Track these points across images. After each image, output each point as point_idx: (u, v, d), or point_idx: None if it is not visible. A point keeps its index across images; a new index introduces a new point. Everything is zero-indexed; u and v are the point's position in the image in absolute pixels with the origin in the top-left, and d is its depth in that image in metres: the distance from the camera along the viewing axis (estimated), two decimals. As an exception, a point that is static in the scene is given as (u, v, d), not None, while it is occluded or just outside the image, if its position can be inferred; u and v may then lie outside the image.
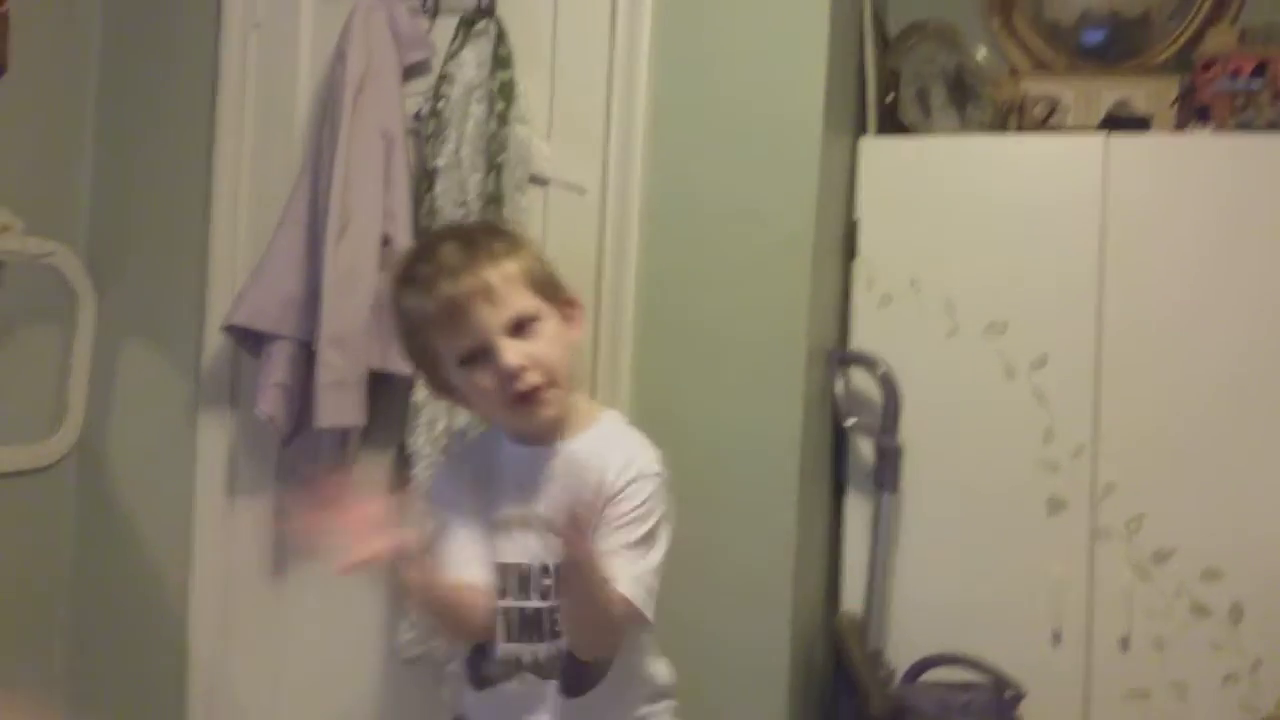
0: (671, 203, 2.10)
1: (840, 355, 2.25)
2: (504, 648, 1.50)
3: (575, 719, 1.49)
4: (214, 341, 2.25)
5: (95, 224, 2.37)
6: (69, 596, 2.36)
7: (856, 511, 2.27)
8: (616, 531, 1.45)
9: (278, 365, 2.08)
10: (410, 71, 2.20)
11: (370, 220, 2.09)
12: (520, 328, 1.45)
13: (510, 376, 1.43)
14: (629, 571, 1.43)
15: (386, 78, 2.15)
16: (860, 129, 2.39)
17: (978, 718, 1.99)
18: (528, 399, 1.45)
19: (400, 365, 2.07)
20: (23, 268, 2.22)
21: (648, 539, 1.47)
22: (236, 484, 2.27)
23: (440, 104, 2.13)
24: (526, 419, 1.49)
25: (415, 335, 1.53)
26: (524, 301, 1.46)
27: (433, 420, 2.05)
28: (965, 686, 2.05)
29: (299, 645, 2.26)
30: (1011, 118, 2.44)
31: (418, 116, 2.19)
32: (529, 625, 1.49)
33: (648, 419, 2.03)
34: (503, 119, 2.10)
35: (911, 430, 2.23)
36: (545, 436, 1.52)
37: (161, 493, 2.30)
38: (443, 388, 1.56)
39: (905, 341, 2.26)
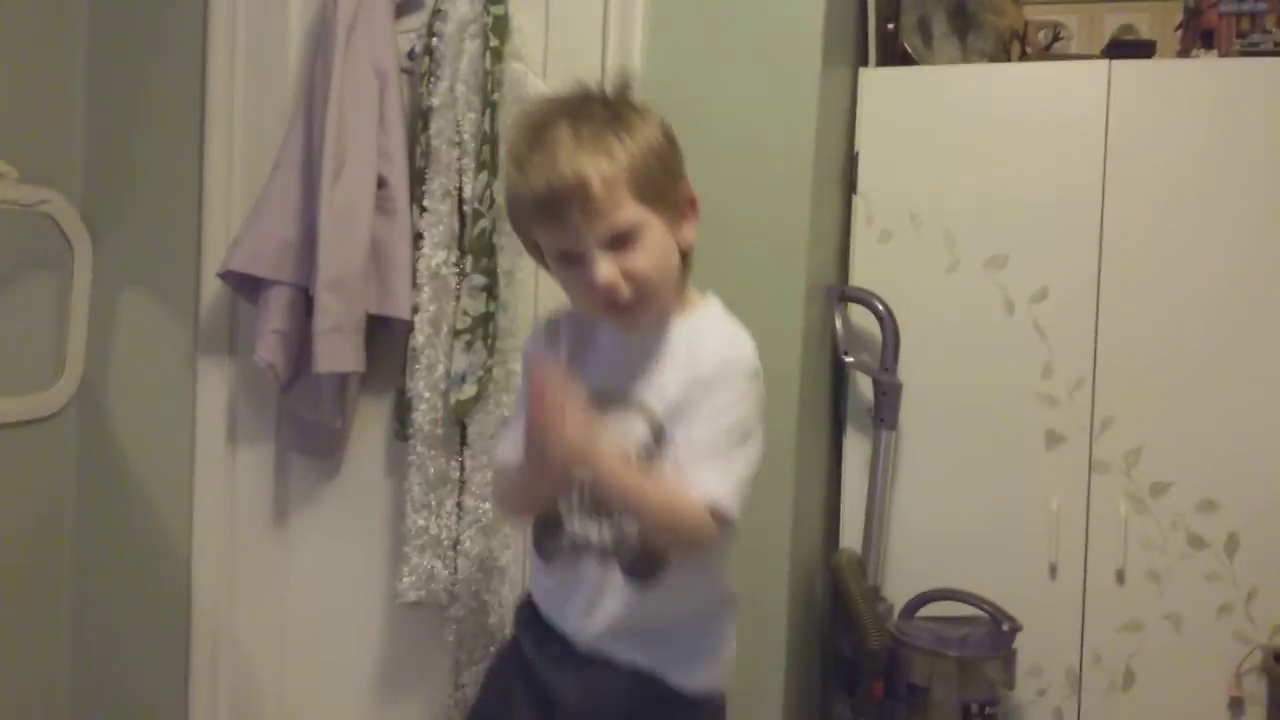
0: (670, 138, 2.07)
1: (839, 291, 2.24)
2: (577, 524, 1.48)
3: (642, 611, 1.46)
4: (211, 288, 2.24)
5: (89, 171, 2.35)
6: (72, 545, 2.38)
7: (855, 448, 2.28)
8: (703, 422, 1.39)
9: (275, 311, 2.08)
10: (402, 9, 2.17)
11: (365, 162, 2.07)
12: (619, 240, 1.37)
13: (602, 289, 1.37)
14: (715, 470, 1.37)
15: (378, 15, 2.12)
16: (861, 59, 2.35)
17: (975, 651, 2.02)
18: (619, 309, 1.40)
19: (399, 309, 2.09)
20: (17, 216, 2.21)
21: (740, 436, 1.39)
22: (237, 431, 2.29)
23: (434, 41, 2.09)
24: (617, 325, 1.45)
25: (517, 216, 1.47)
26: (625, 213, 1.37)
27: (432, 364, 2.05)
28: (962, 620, 2.07)
29: (301, 590, 2.30)
30: (1014, 46, 2.40)
31: (411, 55, 2.15)
32: (600, 502, 1.45)
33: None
34: (497, 55, 2.06)
35: (911, 366, 2.22)
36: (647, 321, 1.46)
37: (162, 440, 2.31)
38: (543, 266, 1.51)
39: (905, 276, 2.25)
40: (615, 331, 1.47)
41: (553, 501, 1.49)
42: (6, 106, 2.21)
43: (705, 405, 1.39)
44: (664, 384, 1.43)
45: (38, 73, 2.28)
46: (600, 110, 1.41)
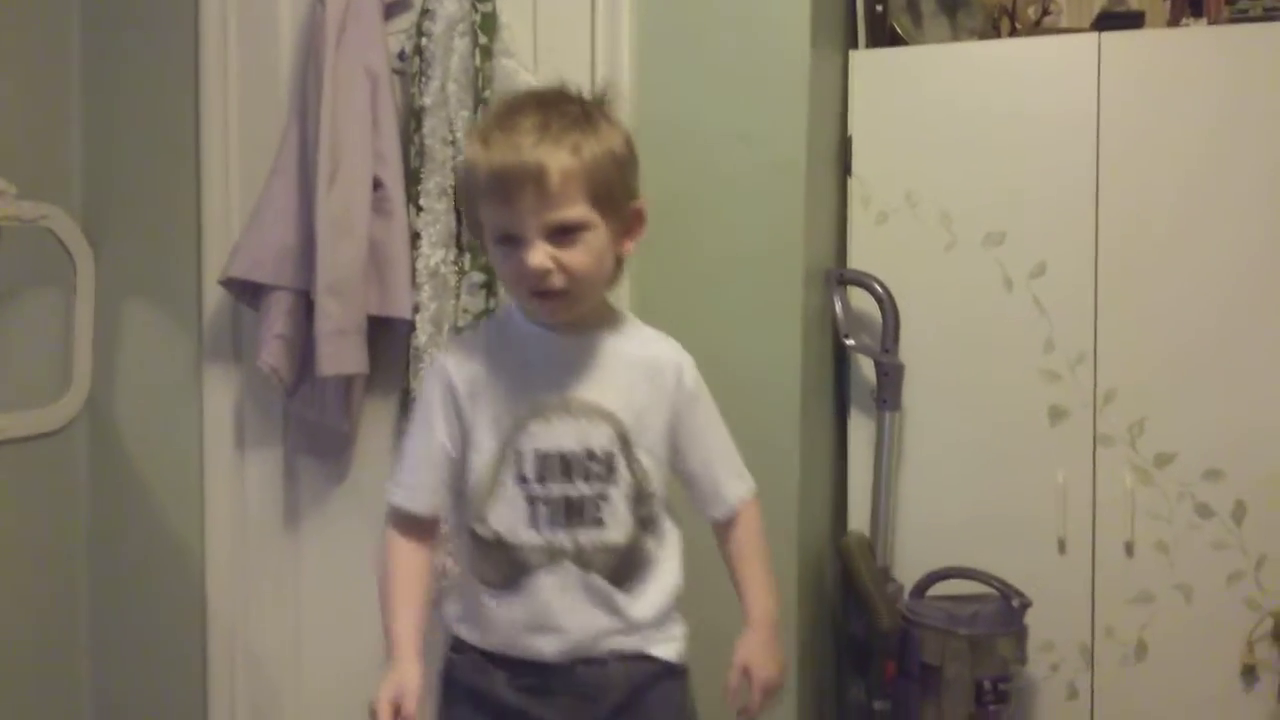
0: (661, 129, 2.06)
1: (838, 274, 2.25)
2: (542, 535, 1.44)
3: (615, 616, 1.46)
4: (214, 296, 2.26)
5: (88, 185, 2.37)
6: (87, 556, 2.40)
7: (860, 430, 2.29)
8: (708, 431, 1.53)
9: (277, 317, 2.09)
10: (391, 10, 2.17)
11: (360, 164, 2.08)
12: (562, 233, 1.39)
13: (532, 275, 1.39)
14: (736, 465, 1.56)
15: (368, 17, 2.12)
16: (850, 42, 2.35)
17: (986, 628, 2.02)
18: (545, 297, 1.42)
19: (399, 309, 2.09)
20: (18, 232, 2.22)
21: (724, 427, 1.57)
22: (245, 436, 2.30)
23: (423, 41, 2.10)
24: (540, 314, 1.46)
25: (466, 187, 1.53)
26: (574, 209, 1.39)
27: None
28: (973, 598, 2.08)
29: (314, 592, 2.32)
30: (1003, 21, 2.40)
31: (401, 56, 2.16)
32: (572, 511, 1.45)
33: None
34: (486, 52, 2.07)
35: (912, 346, 2.23)
36: (574, 326, 1.48)
37: (171, 449, 2.33)
38: (481, 244, 1.54)
39: (903, 257, 2.26)
40: (544, 340, 1.48)
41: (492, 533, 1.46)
42: (2, 123, 2.22)
43: (702, 415, 1.53)
44: (623, 389, 1.46)
45: (33, 88, 2.29)
46: (573, 109, 1.43)
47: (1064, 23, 2.36)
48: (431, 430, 1.48)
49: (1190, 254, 2.12)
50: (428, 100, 2.09)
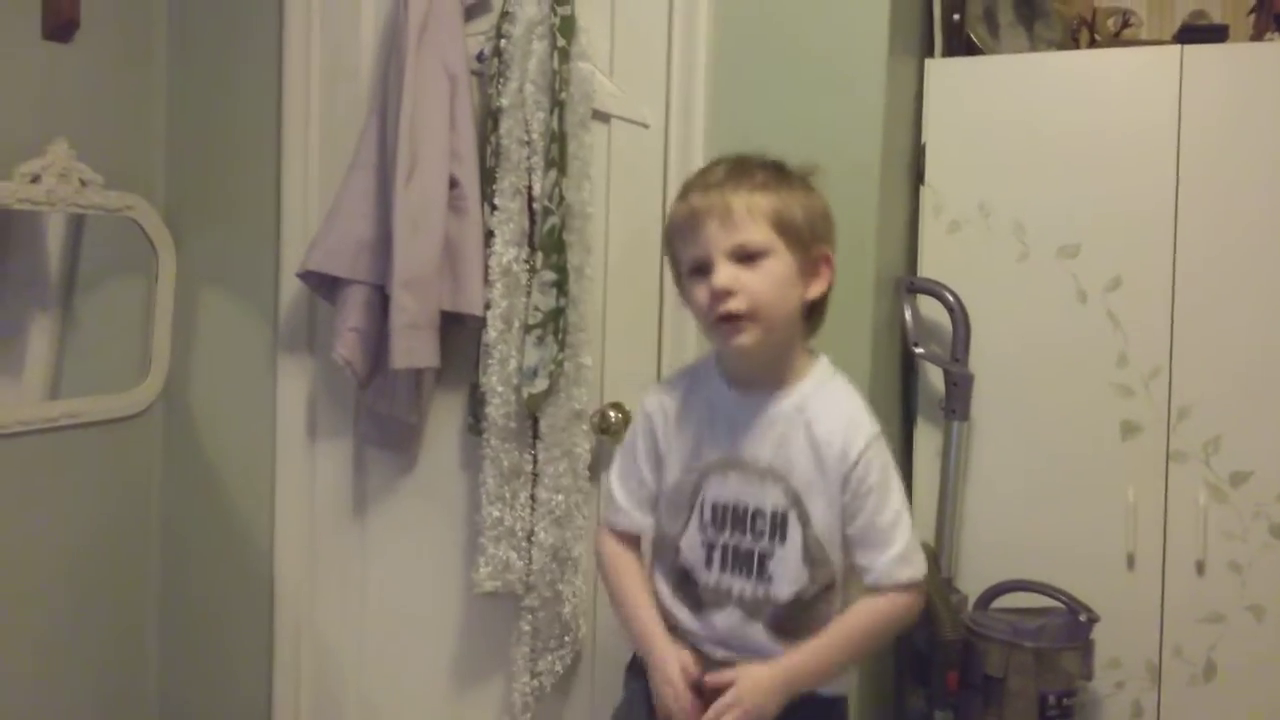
0: (735, 133, 2.07)
1: (909, 283, 2.24)
2: (716, 577, 1.58)
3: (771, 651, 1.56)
4: (290, 288, 2.31)
5: (171, 176, 2.43)
6: (160, 538, 2.46)
7: (927, 440, 2.27)
8: (867, 507, 1.53)
9: (352, 310, 2.13)
10: (471, 11, 2.21)
11: (437, 162, 2.11)
12: (746, 257, 1.49)
13: (716, 295, 1.48)
14: (905, 543, 1.54)
15: (448, 18, 2.16)
16: (926, 51, 2.34)
17: (1051, 642, 2.00)
18: (726, 321, 1.50)
19: (472, 306, 2.12)
20: (104, 222, 2.28)
21: (898, 502, 1.55)
22: (317, 427, 2.35)
23: (502, 42, 2.13)
24: (722, 341, 1.54)
25: (669, 235, 1.62)
26: (758, 234, 1.49)
27: (504, 359, 2.08)
28: (1039, 611, 2.05)
29: (380, 581, 2.35)
30: (1082, 33, 2.38)
31: (480, 57, 2.19)
32: (740, 561, 1.56)
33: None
34: (564, 55, 2.09)
35: (982, 357, 2.21)
36: (759, 382, 1.58)
37: (244, 437, 2.38)
38: (680, 291, 1.63)
39: (975, 267, 2.24)
40: (731, 396, 1.59)
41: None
42: (92, 116, 2.29)
43: (859, 491, 1.53)
44: (793, 457, 1.54)
45: (120, 81, 2.36)
46: (759, 165, 1.56)
47: (1144, 35, 2.33)
48: (635, 461, 1.66)
49: (1269, 270, 2.08)
50: (505, 101, 2.11)
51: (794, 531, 1.53)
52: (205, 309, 2.41)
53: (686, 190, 1.58)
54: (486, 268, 2.11)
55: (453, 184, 2.12)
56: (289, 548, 2.36)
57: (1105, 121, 2.18)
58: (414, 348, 2.08)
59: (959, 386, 2.18)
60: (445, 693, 2.30)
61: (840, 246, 2.02)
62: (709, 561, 1.58)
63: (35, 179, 2.14)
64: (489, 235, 2.11)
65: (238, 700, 2.41)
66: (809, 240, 1.53)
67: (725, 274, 1.48)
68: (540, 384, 2.05)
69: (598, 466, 2.14)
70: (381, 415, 2.22)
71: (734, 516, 1.57)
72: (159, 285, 2.37)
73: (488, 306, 2.10)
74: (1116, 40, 2.35)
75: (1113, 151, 2.17)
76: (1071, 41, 2.35)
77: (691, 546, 1.60)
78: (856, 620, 1.54)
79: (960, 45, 2.35)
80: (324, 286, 2.18)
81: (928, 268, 2.28)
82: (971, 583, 2.18)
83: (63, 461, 2.26)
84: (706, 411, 1.61)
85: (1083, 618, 2.02)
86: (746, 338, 1.50)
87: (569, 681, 2.20)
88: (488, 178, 2.13)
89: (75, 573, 2.30)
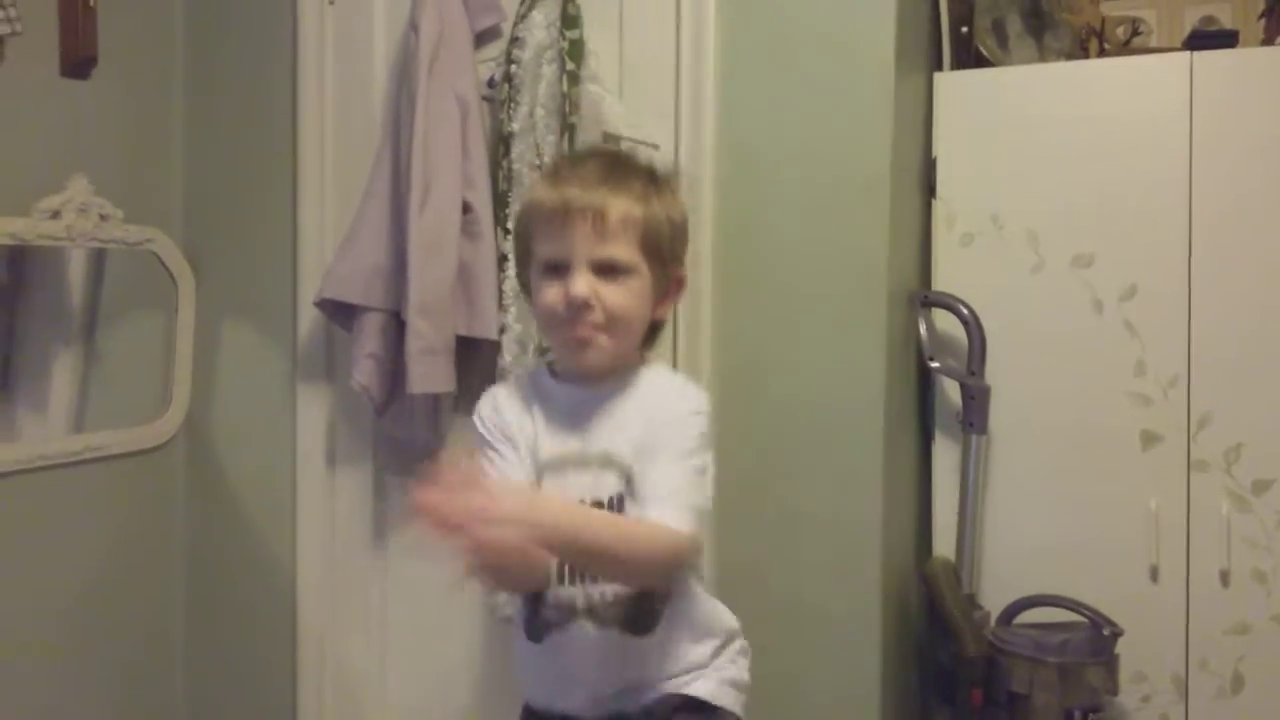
0: (745, 151, 2.09)
1: (923, 296, 2.23)
2: (559, 591, 1.46)
3: (649, 660, 1.47)
4: (308, 317, 2.32)
5: (189, 209, 2.46)
6: (183, 569, 2.48)
7: (945, 454, 2.26)
8: (676, 458, 1.41)
9: (369, 336, 2.14)
10: (482, 38, 2.22)
11: (450, 188, 2.12)
12: (608, 270, 1.44)
13: (574, 304, 1.42)
14: (687, 499, 1.39)
15: (459, 45, 2.17)
16: (935, 64, 2.35)
17: (1076, 657, 1.99)
18: (578, 333, 1.44)
19: (486, 330, 2.13)
20: (124, 255, 2.31)
21: (701, 472, 1.43)
22: (336, 454, 2.36)
23: (512, 68, 2.14)
24: (571, 354, 1.48)
25: (524, 221, 1.53)
26: (625, 251, 1.44)
27: (520, 382, 2.09)
28: (1062, 626, 2.04)
29: (402, 607, 2.35)
30: (1092, 43, 2.38)
31: (491, 82, 2.21)
32: (574, 565, 1.44)
33: (730, 371, 2.08)
34: (574, 78, 2.10)
35: (999, 369, 2.20)
36: (594, 379, 1.50)
37: (265, 465, 2.39)
38: (523, 282, 1.57)
39: (989, 279, 2.24)
40: (566, 392, 1.51)
41: (546, 577, 1.44)
42: (111, 150, 2.32)
43: (672, 442, 1.42)
44: (632, 434, 1.45)
45: (137, 115, 2.39)
46: (641, 169, 1.51)
47: (1154, 43, 2.33)
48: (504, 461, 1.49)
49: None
50: (516, 126, 2.12)
51: (630, 510, 1.42)
52: (225, 340, 2.43)
53: (558, 177, 1.48)
54: (500, 292, 2.12)
55: (466, 209, 2.13)
56: (311, 574, 2.36)
57: (1116, 130, 2.18)
58: (430, 373, 2.08)
59: (976, 400, 2.18)
60: (467, 717, 2.30)
61: (852, 261, 2.04)
62: (558, 575, 1.45)
63: (55, 215, 2.16)
64: (503, 259, 2.12)
65: (263, 727, 2.42)
66: (669, 262, 1.50)
67: (585, 283, 1.42)
68: (555, 407, 2.05)
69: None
70: (399, 441, 2.23)
71: None
72: (179, 317, 2.39)
73: (502, 330, 2.11)
74: (1126, 49, 2.34)
75: (1125, 159, 2.17)
76: (1081, 51, 2.35)
77: None
78: (634, 529, 1.38)
79: (969, 58, 2.35)
80: (340, 314, 2.19)
81: (941, 281, 2.27)
82: (994, 597, 2.17)
83: (87, 494, 2.28)
84: (537, 410, 1.51)
85: (1106, 632, 2.01)
86: (596, 354, 1.46)
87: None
88: (500, 202, 2.14)
89: (101, 604, 2.31)
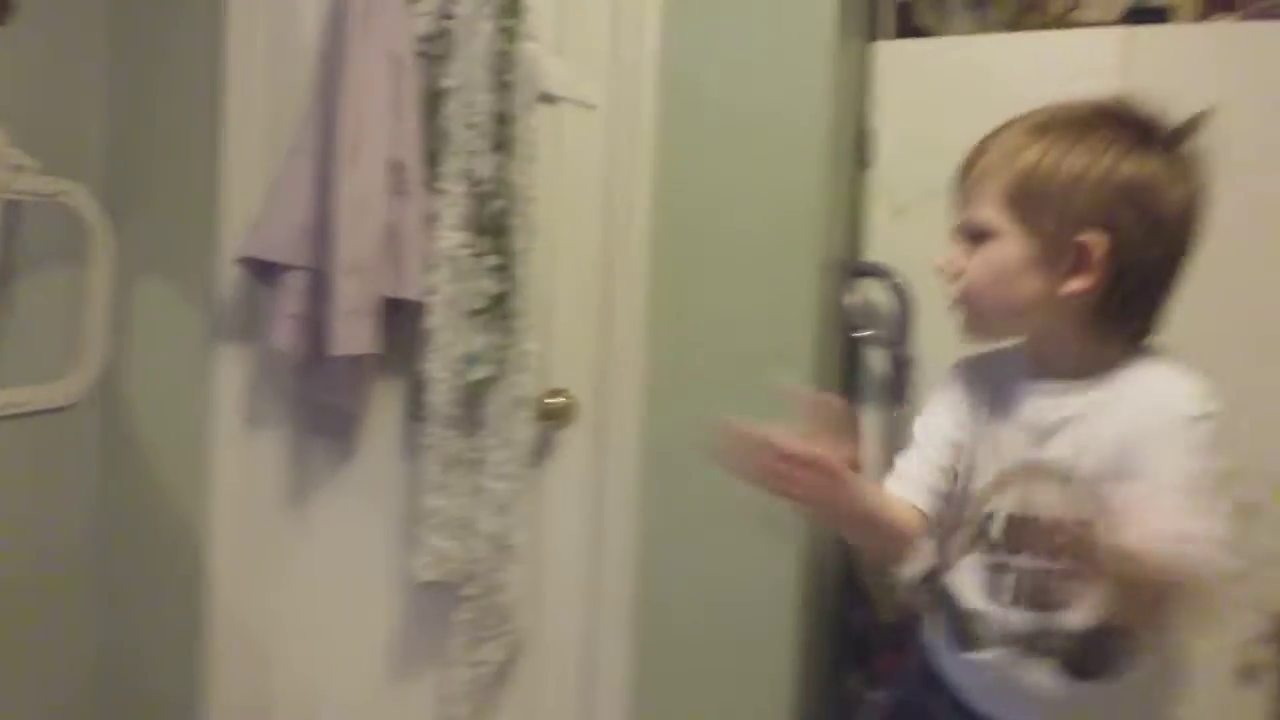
0: (682, 116, 2.07)
1: (853, 266, 2.23)
2: (992, 611, 1.28)
3: (1094, 711, 1.26)
4: (228, 274, 2.27)
5: (110, 162, 2.39)
6: (93, 529, 2.43)
7: (871, 423, 2.27)
8: (1171, 479, 1.13)
9: (292, 296, 2.09)
10: (416, -8, 2.18)
11: (380, 146, 2.08)
12: (974, 237, 1.29)
13: (939, 268, 1.32)
14: (1198, 526, 1.06)
15: (393, 0, 2.13)
16: (874, 33, 2.33)
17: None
18: (954, 304, 1.33)
19: (412, 291, 2.10)
20: (38, 208, 2.24)
21: (1209, 490, 1.13)
22: (254, 416, 2.32)
23: (447, 23, 2.10)
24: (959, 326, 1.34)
25: None
26: (986, 213, 1.27)
27: (448, 345, 2.06)
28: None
29: (318, 571, 2.33)
30: (1032, 16, 2.37)
31: (425, 38, 2.16)
32: (1039, 590, 1.25)
33: (661, 335, 2.07)
34: (510, 36, 2.06)
35: (928, 340, 2.21)
36: (1061, 372, 1.29)
37: (181, 426, 2.35)
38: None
39: (921, 252, 2.20)
40: (1033, 388, 1.31)
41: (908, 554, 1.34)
42: (27, 100, 2.24)
43: (1163, 460, 1.15)
44: (1107, 450, 1.21)
45: (57, 65, 2.31)
46: (1032, 127, 1.30)
47: (1093, 17, 2.33)
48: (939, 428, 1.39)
49: (1216, 251, 2.08)
50: (450, 83, 2.08)
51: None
52: (141, 296, 2.37)
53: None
54: (430, 252, 2.08)
55: (396, 168, 2.10)
56: (225, 537, 2.33)
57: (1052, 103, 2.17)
58: (355, 334, 2.05)
59: (902, 370, 2.18)
60: (383, 681, 2.29)
61: (784, 229, 2.03)
62: (995, 589, 1.28)
63: (-34, 164, 2.10)
64: (433, 219, 2.09)
65: (172, 690, 2.39)
66: (1056, 226, 1.24)
67: (945, 254, 1.34)
68: (483, 370, 2.03)
69: (540, 454, 2.12)
70: (320, 404, 2.20)
71: (1038, 531, 1.25)
72: (93, 271, 2.33)
73: (431, 292, 2.07)
74: (1064, 22, 2.34)
75: (1059, 134, 2.16)
76: (1022, 23, 2.35)
77: (969, 569, 1.32)
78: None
79: (909, 30, 2.33)
80: (263, 272, 2.15)
81: (875, 252, 2.27)
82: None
83: (-3, 452, 2.23)
84: (997, 402, 1.33)
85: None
86: (966, 328, 1.34)
87: (508, 671, 2.20)
88: (431, 161, 2.11)
89: (9, 565, 2.26)
